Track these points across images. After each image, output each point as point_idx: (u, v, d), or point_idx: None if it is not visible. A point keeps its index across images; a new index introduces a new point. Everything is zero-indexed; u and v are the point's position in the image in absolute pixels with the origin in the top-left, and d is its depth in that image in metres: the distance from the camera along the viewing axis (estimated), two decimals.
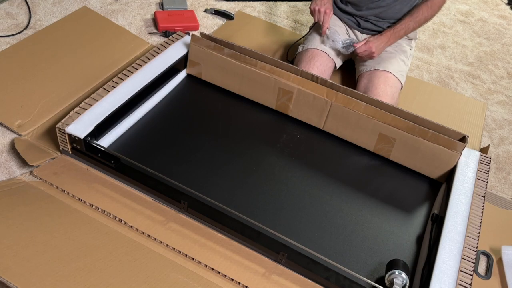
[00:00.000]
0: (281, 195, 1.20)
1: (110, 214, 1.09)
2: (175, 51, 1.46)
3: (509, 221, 1.29)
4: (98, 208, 1.10)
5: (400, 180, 1.30)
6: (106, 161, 1.17)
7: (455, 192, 1.17)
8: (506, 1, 2.49)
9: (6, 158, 1.24)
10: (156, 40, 1.76)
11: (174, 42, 1.49)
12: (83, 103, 1.23)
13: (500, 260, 1.17)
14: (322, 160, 1.32)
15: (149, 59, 1.40)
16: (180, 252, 1.04)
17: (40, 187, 1.14)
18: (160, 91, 1.41)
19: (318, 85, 1.32)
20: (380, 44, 1.48)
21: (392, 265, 1.01)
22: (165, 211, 1.13)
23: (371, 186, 1.27)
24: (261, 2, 2.09)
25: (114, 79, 1.31)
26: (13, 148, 1.25)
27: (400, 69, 1.51)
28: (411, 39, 1.62)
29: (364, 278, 1.00)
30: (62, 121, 1.18)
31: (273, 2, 2.10)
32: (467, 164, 1.25)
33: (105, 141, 1.24)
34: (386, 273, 1.01)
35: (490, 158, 1.28)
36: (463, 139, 1.21)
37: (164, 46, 1.46)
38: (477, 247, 1.06)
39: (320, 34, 1.55)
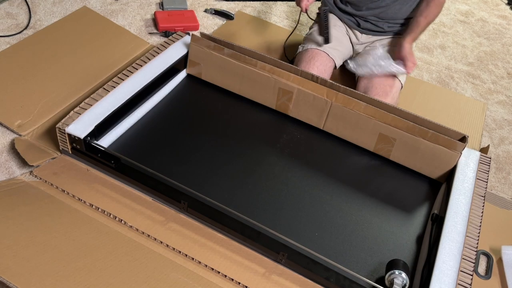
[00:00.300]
0: (281, 195, 1.20)
1: (110, 214, 1.09)
2: (175, 51, 1.46)
3: (509, 221, 1.29)
4: (98, 208, 1.10)
5: (400, 180, 1.30)
6: (106, 161, 1.17)
7: (455, 192, 1.17)
8: (506, 1, 2.49)
9: (6, 158, 1.24)
10: (156, 40, 1.76)
11: (174, 42, 1.49)
12: (83, 103, 1.23)
13: (500, 260, 1.17)
14: (322, 160, 1.32)
15: (149, 59, 1.40)
16: (180, 252, 1.04)
17: (40, 187, 1.14)
18: (160, 91, 1.41)
19: (318, 85, 1.32)
20: (411, 51, 1.47)
21: (392, 265, 1.01)
22: (165, 211, 1.13)
23: (371, 186, 1.27)
24: (261, 2, 2.09)
25: (114, 79, 1.31)
26: (13, 148, 1.25)
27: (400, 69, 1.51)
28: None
29: (364, 278, 1.00)
30: (62, 121, 1.18)
31: (273, 2, 2.10)
32: (467, 164, 1.25)
33: (105, 141, 1.24)
34: (386, 273, 1.01)
35: (490, 158, 1.28)
36: (463, 139, 1.21)
37: (164, 46, 1.47)
38: (477, 247, 1.06)
39: (320, 34, 1.55)
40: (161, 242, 1.05)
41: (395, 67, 1.44)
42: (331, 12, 1.62)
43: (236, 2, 2.05)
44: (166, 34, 1.77)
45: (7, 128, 1.30)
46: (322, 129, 1.38)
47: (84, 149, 1.18)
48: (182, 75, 1.50)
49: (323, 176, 1.27)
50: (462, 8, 2.37)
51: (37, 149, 1.24)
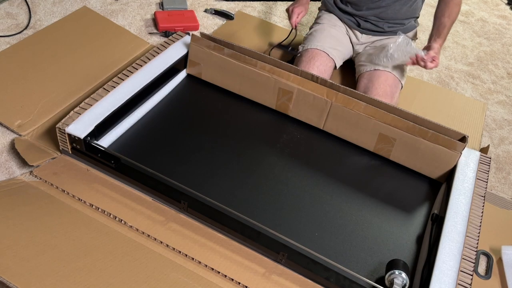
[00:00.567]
0: (281, 195, 1.20)
1: (110, 214, 1.09)
2: (175, 51, 1.46)
3: (509, 221, 1.29)
4: (98, 208, 1.10)
5: (400, 180, 1.30)
6: (106, 161, 1.17)
7: (455, 192, 1.17)
8: (506, 1, 2.49)
9: (6, 158, 1.24)
10: (156, 40, 1.76)
11: (174, 42, 1.49)
12: (83, 103, 1.23)
13: (500, 260, 1.17)
14: (322, 160, 1.32)
15: (149, 59, 1.40)
16: (180, 252, 1.04)
17: (40, 187, 1.14)
18: (160, 91, 1.41)
19: (318, 85, 1.32)
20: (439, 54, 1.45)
21: (392, 265, 1.01)
22: (165, 211, 1.13)
23: (371, 186, 1.27)
24: (261, 2, 2.09)
25: (114, 79, 1.31)
26: (13, 148, 1.25)
27: (400, 69, 1.51)
28: (412, 39, 1.62)
29: (364, 278, 1.00)
30: (62, 121, 1.18)
31: (273, 2, 2.10)
32: (467, 164, 1.25)
33: (105, 141, 1.24)
34: (386, 273, 1.01)
35: (490, 158, 1.28)
36: (463, 139, 1.21)
37: (164, 46, 1.47)
38: (477, 247, 1.06)
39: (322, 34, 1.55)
40: (161, 242, 1.05)
41: (417, 50, 1.41)
42: (330, 12, 1.63)
43: (236, 2, 2.05)
44: (166, 34, 1.77)
45: (7, 128, 1.30)
46: (322, 129, 1.38)
47: (84, 149, 1.18)
48: (182, 75, 1.50)
49: (323, 176, 1.27)
50: (462, 8, 2.36)
51: (37, 149, 1.24)
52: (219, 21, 1.93)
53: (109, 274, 0.92)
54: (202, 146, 1.29)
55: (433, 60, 1.39)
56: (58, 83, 1.45)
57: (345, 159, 1.33)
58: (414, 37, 1.64)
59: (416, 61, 1.40)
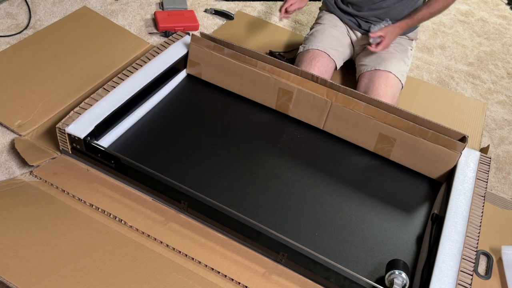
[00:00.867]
0: (281, 195, 1.20)
1: (110, 214, 1.09)
2: (175, 51, 1.46)
3: (509, 221, 1.29)
4: (98, 208, 1.10)
5: (400, 180, 1.30)
6: (106, 161, 1.17)
7: (455, 192, 1.17)
8: (506, 1, 2.49)
9: (6, 158, 1.24)
10: (156, 40, 1.76)
11: (174, 42, 1.49)
12: (83, 103, 1.23)
13: (500, 260, 1.17)
14: (322, 160, 1.32)
15: (149, 59, 1.40)
16: (180, 252, 1.04)
17: (40, 187, 1.14)
18: (160, 91, 1.41)
19: (318, 85, 1.32)
20: (394, 36, 1.48)
21: (392, 265, 1.01)
22: (165, 211, 1.13)
23: (371, 186, 1.27)
24: (261, 2, 2.09)
25: (114, 79, 1.31)
26: (13, 148, 1.25)
27: (400, 69, 1.51)
28: (412, 39, 1.62)
29: (364, 278, 1.00)
30: (62, 121, 1.18)
31: (273, 2, 2.10)
32: (467, 164, 1.25)
33: (105, 141, 1.24)
34: (386, 273, 1.01)
35: (490, 158, 1.28)
36: (463, 139, 1.21)
37: (164, 46, 1.46)
38: (477, 247, 1.06)
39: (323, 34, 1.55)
40: (161, 242, 1.05)
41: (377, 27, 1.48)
42: (331, 12, 1.63)
43: (236, 2, 2.05)
44: (166, 34, 1.77)
45: (7, 128, 1.30)
46: (322, 129, 1.38)
47: (84, 149, 1.18)
48: (182, 75, 1.50)
49: (323, 176, 1.27)
50: (462, 8, 2.37)
51: (37, 149, 1.24)
52: (219, 21, 1.93)
53: (109, 274, 0.92)
54: (202, 146, 1.29)
55: (381, 41, 1.44)
56: (58, 83, 1.45)
57: (345, 159, 1.33)
58: (415, 37, 1.64)
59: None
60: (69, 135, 1.17)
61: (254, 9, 2.04)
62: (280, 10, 1.52)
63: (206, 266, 1.02)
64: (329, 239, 1.12)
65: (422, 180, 1.30)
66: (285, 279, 1.03)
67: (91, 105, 1.22)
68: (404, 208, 1.22)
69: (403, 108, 1.25)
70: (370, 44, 1.47)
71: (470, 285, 0.98)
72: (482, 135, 1.60)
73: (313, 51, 1.53)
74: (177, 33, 1.53)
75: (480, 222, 1.12)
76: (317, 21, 1.67)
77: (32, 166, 1.19)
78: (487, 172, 1.24)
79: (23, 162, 1.20)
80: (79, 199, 1.12)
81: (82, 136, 1.15)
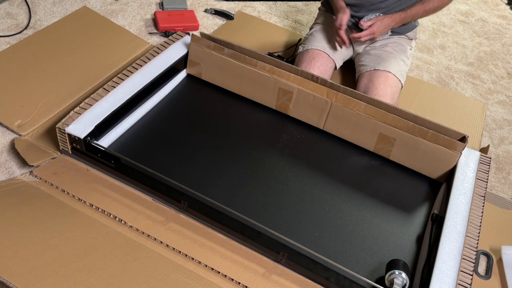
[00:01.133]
0: (281, 195, 1.20)
1: (110, 214, 1.09)
2: (175, 51, 1.46)
3: (509, 221, 1.29)
4: (98, 208, 1.10)
5: (400, 180, 1.30)
6: (106, 161, 1.17)
7: (455, 192, 1.17)
8: (506, 1, 2.49)
9: (6, 158, 1.24)
10: (156, 40, 1.76)
11: (174, 42, 1.49)
12: (83, 103, 1.23)
13: (500, 260, 1.17)
14: (322, 160, 1.32)
15: (149, 59, 1.40)
16: (180, 252, 1.04)
17: (40, 187, 1.14)
18: (160, 91, 1.41)
19: (318, 85, 1.32)
20: (384, 27, 1.48)
21: (392, 265, 1.01)
22: (165, 211, 1.13)
23: (371, 186, 1.27)
24: (261, 2, 2.09)
25: (114, 79, 1.31)
26: (13, 148, 1.25)
27: (400, 69, 1.51)
28: (411, 39, 1.62)
29: (364, 278, 1.00)
30: (62, 121, 1.18)
31: (273, 2, 2.11)
32: (467, 164, 1.25)
33: (105, 141, 1.24)
34: (386, 273, 1.01)
35: (490, 158, 1.28)
36: (463, 139, 1.21)
37: (164, 46, 1.47)
38: (477, 247, 1.06)
39: (322, 34, 1.55)
40: (161, 242, 1.05)
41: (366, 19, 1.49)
42: (331, 13, 1.63)
43: (236, 2, 2.05)
44: (166, 34, 1.77)
45: (7, 128, 1.30)
46: (322, 129, 1.38)
47: (84, 149, 1.18)
48: (182, 75, 1.50)
49: (323, 176, 1.27)
50: (462, 8, 2.37)
51: (37, 149, 1.24)
52: (219, 21, 1.93)
53: (109, 274, 0.92)
54: (202, 146, 1.29)
55: (370, 30, 1.46)
56: (58, 83, 1.45)
57: (345, 159, 1.33)
58: (414, 37, 1.64)
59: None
60: (69, 135, 1.17)
61: (254, 9, 2.04)
62: (339, 36, 1.49)
63: (206, 266, 1.02)
64: (329, 239, 1.12)
65: (422, 180, 1.30)
66: (285, 279, 1.03)
67: (91, 105, 1.22)
68: (404, 208, 1.22)
69: (403, 108, 1.25)
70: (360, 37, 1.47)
71: (470, 285, 0.99)
72: (482, 135, 1.60)
73: (312, 51, 1.53)
74: (177, 33, 1.53)
75: (480, 222, 1.12)
76: (316, 21, 1.67)
77: (32, 166, 1.19)
78: (487, 172, 1.24)
79: (23, 162, 1.20)
80: (79, 199, 1.12)
81: (82, 136, 1.15)
